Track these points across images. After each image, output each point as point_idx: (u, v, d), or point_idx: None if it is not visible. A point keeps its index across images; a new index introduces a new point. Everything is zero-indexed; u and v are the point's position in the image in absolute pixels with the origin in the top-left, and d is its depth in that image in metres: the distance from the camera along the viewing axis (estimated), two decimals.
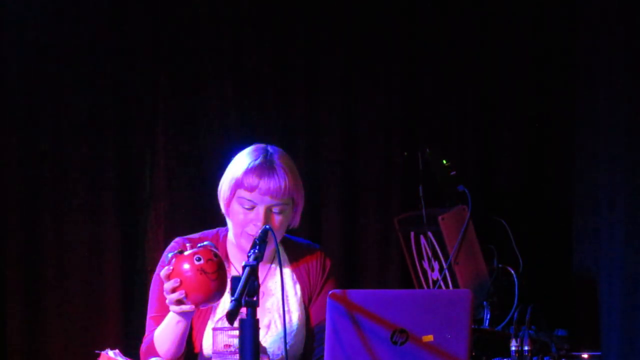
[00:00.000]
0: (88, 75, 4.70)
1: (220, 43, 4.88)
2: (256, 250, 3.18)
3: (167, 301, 3.36)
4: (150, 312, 3.59)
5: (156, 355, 3.49)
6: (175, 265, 3.33)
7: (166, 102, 4.82)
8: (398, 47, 5.13)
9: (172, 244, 3.61)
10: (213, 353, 3.31)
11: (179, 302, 3.33)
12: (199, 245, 3.38)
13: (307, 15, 5.03)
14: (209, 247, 3.36)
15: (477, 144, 5.20)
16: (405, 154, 5.00)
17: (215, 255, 3.34)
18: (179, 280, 3.31)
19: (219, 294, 3.35)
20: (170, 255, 3.36)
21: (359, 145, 5.09)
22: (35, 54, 4.65)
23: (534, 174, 5.19)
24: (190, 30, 4.84)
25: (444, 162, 4.71)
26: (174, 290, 3.32)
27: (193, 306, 3.34)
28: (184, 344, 3.49)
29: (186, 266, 3.31)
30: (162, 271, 3.34)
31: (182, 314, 3.39)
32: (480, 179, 5.14)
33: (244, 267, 3.10)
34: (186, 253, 3.34)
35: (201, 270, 3.30)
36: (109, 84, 4.72)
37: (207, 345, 3.53)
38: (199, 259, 3.31)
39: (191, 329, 3.55)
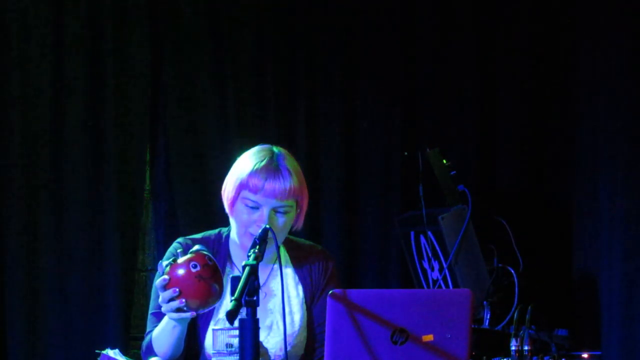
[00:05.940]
0: (89, 75, 4.70)
1: (221, 43, 4.88)
2: (256, 250, 3.18)
3: (163, 309, 3.34)
4: (152, 308, 3.59)
5: (155, 355, 3.49)
6: (172, 274, 3.29)
7: (166, 102, 4.82)
8: (398, 47, 5.13)
9: (175, 244, 3.61)
10: (213, 353, 3.31)
11: (179, 310, 3.31)
12: (190, 251, 3.35)
13: (308, 16, 5.03)
14: (202, 252, 3.33)
15: (477, 143, 5.20)
16: (405, 154, 5.00)
17: (210, 259, 3.32)
18: (177, 289, 3.28)
19: (217, 297, 3.33)
20: (165, 264, 3.33)
21: (359, 145, 5.09)
22: (34, 52, 4.65)
23: (534, 174, 5.19)
24: (191, 30, 4.84)
25: (444, 162, 4.71)
26: (172, 299, 3.30)
27: (193, 313, 3.32)
28: (182, 344, 3.48)
29: (183, 274, 3.28)
30: (158, 281, 3.31)
31: (180, 320, 3.38)
32: (481, 179, 5.14)
33: (243, 267, 3.09)
34: (180, 260, 3.31)
35: (199, 277, 3.28)
36: (109, 84, 4.71)
37: (208, 345, 3.53)
38: (195, 266, 3.29)
39: (194, 329, 3.55)
